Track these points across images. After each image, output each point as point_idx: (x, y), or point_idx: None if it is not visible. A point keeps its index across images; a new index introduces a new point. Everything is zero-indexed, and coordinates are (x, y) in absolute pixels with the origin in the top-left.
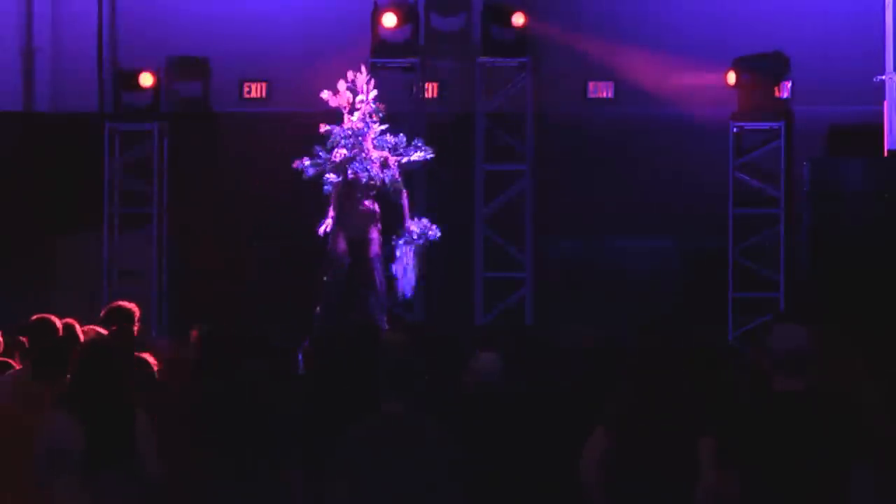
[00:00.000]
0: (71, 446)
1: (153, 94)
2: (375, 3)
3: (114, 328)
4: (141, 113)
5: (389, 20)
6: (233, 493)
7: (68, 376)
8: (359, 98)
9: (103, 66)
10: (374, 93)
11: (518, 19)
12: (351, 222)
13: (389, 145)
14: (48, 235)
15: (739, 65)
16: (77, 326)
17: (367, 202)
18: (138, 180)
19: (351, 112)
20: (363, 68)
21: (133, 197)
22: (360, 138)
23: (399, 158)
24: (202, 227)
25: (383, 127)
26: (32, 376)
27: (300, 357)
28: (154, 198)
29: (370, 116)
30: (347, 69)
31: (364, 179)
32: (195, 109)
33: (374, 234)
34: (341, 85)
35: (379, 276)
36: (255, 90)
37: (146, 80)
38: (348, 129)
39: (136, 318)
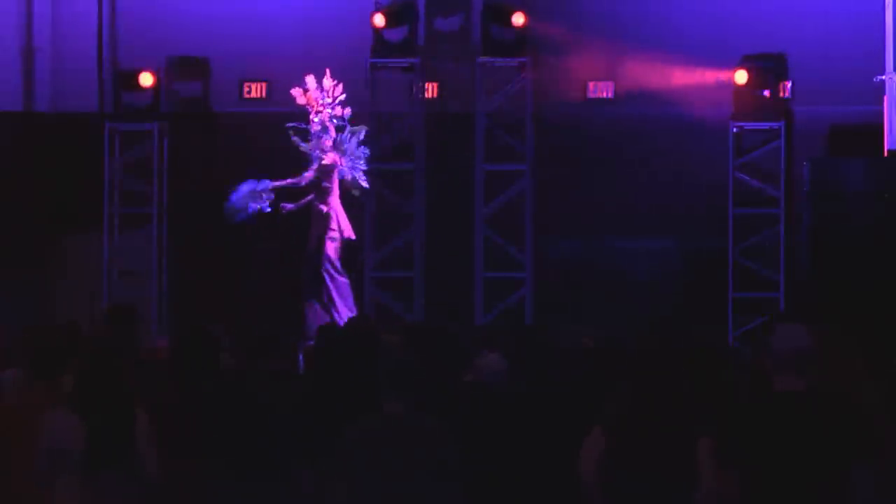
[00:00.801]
0: (72, 446)
1: (153, 94)
2: (376, 3)
3: (114, 328)
4: (141, 113)
5: (379, 20)
6: (233, 493)
7: (68, 376)
8: (323, 101)
9: (103, 66)
10: (341, 96)
11: (518, 19)
12: (312, 225)
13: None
14: (48, 235)
15: (745, 63)
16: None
17: (320, 206)
18: (138, 180)
19: (316, 114)
20: (328, 72)
21: (133, 197)
22: (318, 140)
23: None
24: (202, 227)
25: (348, 132)
26: (31, 377)
27: (300, 357)
28: (154, 198)
29: (332, 120)
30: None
31: (302, 183)
32: (195, 109)
33: (326, 240)
34: (311, 82)
35: (326, 284)
36: (255, 90)
37: (146, 80)
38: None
39: (137, 318)
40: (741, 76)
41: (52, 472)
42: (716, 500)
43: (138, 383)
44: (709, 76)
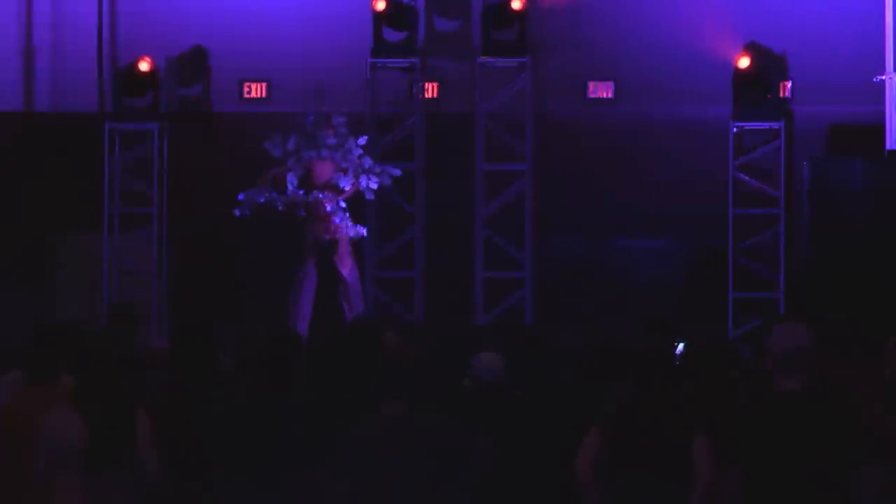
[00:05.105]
0: (73, 446)
1: (153, 95)
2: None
3: (114, 328)
4: (141, 113)
5: (380, 5)
6: (233, 493)
7: (68, 376)
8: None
9: (103, 66)
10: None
11: (516, 3)
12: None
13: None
14: (48, 235)
15: (748, 50)
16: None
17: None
18: (138, 180)
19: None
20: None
21: (133, 197)
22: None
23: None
24: (202, 228)
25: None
26: (32, 377)
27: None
28: (154, 198)
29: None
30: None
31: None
32: (195, 109)
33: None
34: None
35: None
36: (255, 90)
37: (145, 74)
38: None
39: (137, 318)
40: (744, 61)
41: (54, 471)
42: (713, 499)
43: (138, 383)
44: (709, 76)
